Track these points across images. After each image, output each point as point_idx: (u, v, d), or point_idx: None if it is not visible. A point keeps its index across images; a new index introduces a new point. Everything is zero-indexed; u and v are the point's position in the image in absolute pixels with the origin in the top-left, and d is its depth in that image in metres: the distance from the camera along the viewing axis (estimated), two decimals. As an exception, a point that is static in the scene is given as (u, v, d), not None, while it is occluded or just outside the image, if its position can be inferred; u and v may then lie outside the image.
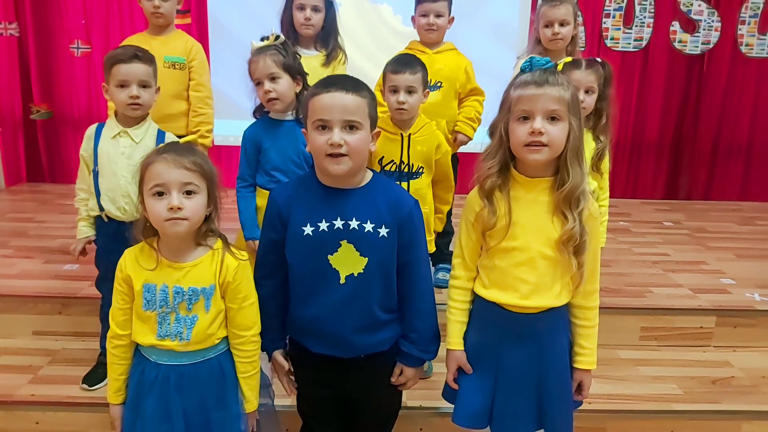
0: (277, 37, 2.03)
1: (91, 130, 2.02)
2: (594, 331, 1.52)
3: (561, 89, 1.36)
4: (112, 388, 1.51)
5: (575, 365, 1.53)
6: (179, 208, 1.35)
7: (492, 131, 1.46)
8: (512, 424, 1.54)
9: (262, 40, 2.03)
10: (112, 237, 1.98)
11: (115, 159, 1.95)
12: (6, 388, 2.14)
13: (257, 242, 2.00)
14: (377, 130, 1.49)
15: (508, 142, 1.41)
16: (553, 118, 1.36)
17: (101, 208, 1.99)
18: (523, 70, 1.40)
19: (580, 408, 1.61)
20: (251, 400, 1.52)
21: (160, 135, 2.00)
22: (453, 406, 1.59)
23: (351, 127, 1.39)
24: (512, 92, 1.39)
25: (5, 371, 2.25)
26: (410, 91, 2.02)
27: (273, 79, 1.97)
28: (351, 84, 1.42)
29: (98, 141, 1.98)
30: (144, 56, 1.94)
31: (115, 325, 1.47)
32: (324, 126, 1.39)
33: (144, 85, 1.93)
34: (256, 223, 2.04)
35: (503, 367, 1.51)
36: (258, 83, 1.99)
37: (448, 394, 1.62)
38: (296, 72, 2.02)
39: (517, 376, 1.50)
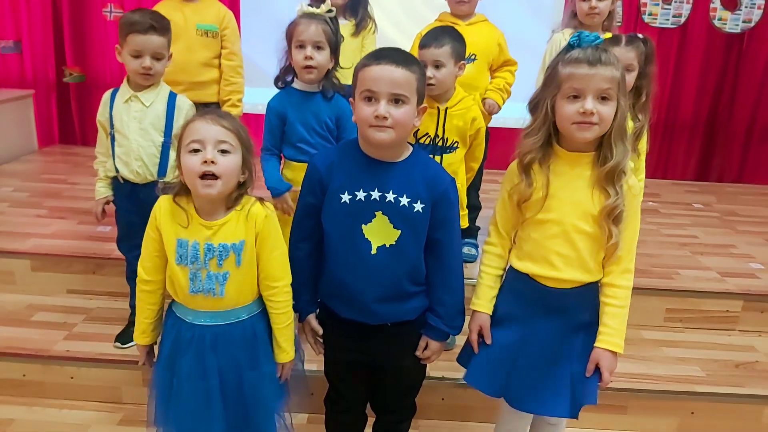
0: (330, 10, 2.01)
1: (107, 95, 2.05)
2: (623, 312, 1.49)
3: (613, 69, 1.35)
4: (138, 329, 1.57)
5: (596, 344, 1.49)
6: (213, 162, 1.36)
7: (534, 106, 1.45)
8: (530, 395, 1.55)
9: (310, 5, 2.01)
10: (128, 197, 2.05)
11: (128, 123, 1.99)
12: (42, 343, 2.22)
13: (283, 196, 2.03)
14: (423, 105, 1.48)
15: (553, 117, 1.40)
16: (603, 98, 1.35)
17: (117, 170, 2.04)
18: (571, 45, 1.38)
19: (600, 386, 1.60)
20: (288, 350, 1.56)
21: (171, 98, 2.01)
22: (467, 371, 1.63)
23: (397, 100, 1.39)
24: (562, 69, 1.37)
25: (42, 327, 2.34)
26: (437, 65, 1.98)
27: (317, 47, 1.96)
28: (402, 58, 1.41)
29: (113, 105, 2.01)
30: (160, 26, 1.94)
31: (143, 270, 1.51)
32: (371, 97, 1.40)
33: (157, 57, 1.94)
34: (281, 178, 2.06)
35: (528, 339, 1.53)
36: (300, 46, 1.96)
37: (463, 358, 1.65)
38: (335, 48, 2.01)
39: (541, 349, 1.52)
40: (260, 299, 1.54)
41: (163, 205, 1.48)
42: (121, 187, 2.07)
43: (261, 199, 1.50)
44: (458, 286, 1.58)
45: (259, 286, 1.52)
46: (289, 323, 1.55)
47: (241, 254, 1.44)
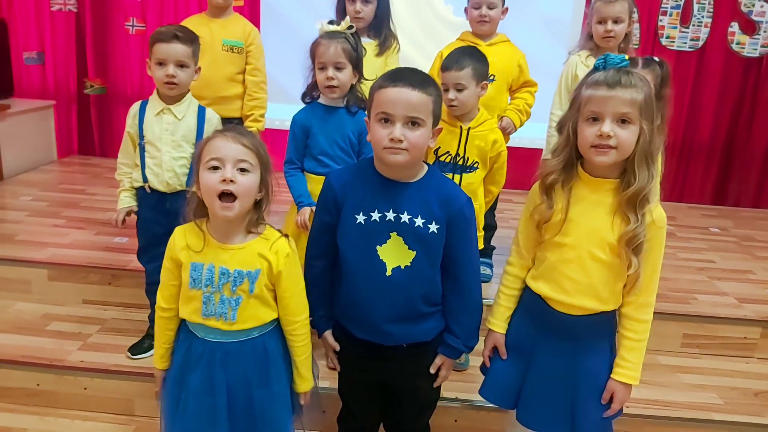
0: (350, 27, 2.01)
1: (135, 107, 2.08)
2: (641, 345, 1.47)
3: (634, 91, 1.32)
4: (157, 354, 1.58)
5: (613, 375, 1.48)
6: (231, 181, 1.36)
7: (560, 128, 1.44)
8: (539, 413, 1.55)
9: (331, 23, 2.03)
10: (153, 208, 2.07)
11: (160, 135, 2.02)
12: (57, 353, 2.23)
13: (303, 209, 2.02)
14: (439, 126, 1.48)
15: (576, 140, 1.39)
16: (623, 121, 1.33)
17: (145, 179, 2.05)
18: (596, 68, 1.37)
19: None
20: (308, 378, 1.57)
21: (201, 111, 2.05)
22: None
23: (413, 123, 1.39)
24: (583, 91, 1.36)
25: (57, 337, 2.35)
26: (459, 88, 2.01)
27: (338, 68, 1.97)
28: (418, 80, 1.40)
29: (143, 117, 2.04)
30: (184, 37, 1.98)
31: (162, 299, 1.53)
32: (387, 119, 1.39)
33: (181, 65, 1.97)
34: (308, 192, 2.05)
35: (537, 357, 1.54)
36: (322, 68, 1.99)
37: (484, 368, 1.68)
38: (357, 63, 2.02)
39: (549, 368, 1.52)
40: (274, 320, 1.53)
41: (178, 235, 1.48)
42: (147, 197, 2.08)
43: (286, 236, 1.50)
44: (475, 307, 1.57)
45: (280, 320, 1.52)
46: (309, 354, 1.56)
47: (255, 283, 1.44)
